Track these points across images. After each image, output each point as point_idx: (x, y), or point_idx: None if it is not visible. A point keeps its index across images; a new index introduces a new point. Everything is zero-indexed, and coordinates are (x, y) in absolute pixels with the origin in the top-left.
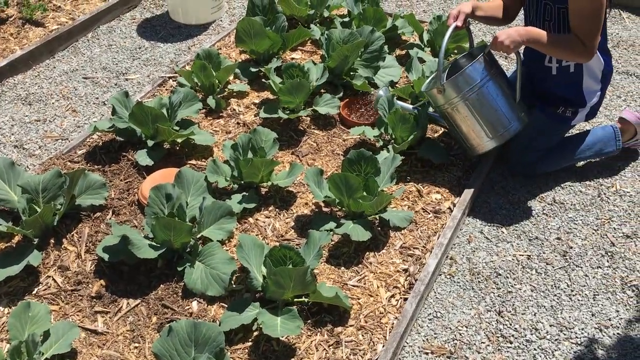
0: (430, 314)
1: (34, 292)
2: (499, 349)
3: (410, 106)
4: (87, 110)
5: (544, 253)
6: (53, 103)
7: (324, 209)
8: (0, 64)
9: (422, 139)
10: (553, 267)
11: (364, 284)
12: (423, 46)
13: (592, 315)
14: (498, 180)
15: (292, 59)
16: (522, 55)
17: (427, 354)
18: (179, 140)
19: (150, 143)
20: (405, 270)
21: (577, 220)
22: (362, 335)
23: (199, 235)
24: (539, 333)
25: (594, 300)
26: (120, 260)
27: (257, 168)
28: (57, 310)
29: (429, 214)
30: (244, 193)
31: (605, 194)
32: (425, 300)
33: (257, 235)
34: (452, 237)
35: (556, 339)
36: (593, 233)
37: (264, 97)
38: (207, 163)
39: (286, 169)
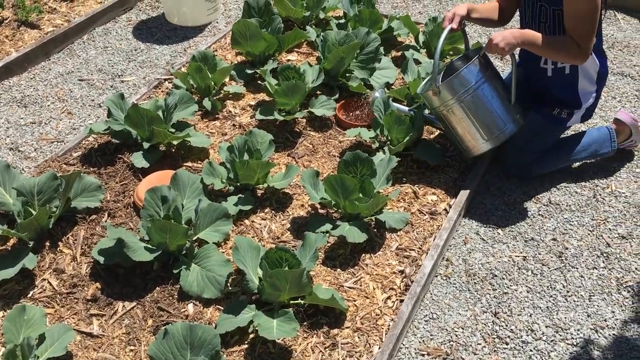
0: (426, 315)
1: (29, 295)
2: (495, 350)
3: (406, 108)
4: (82, 113)
5: (539, 254)
6: (48, 105)
7: (320, 211)
8: None
9: (418, 140)
10: (549, 268)
11: (360, 285)
12: (419, 48)
13: (588, 316)
14: (494, 181)
15: (288, 60)
16: (517, 57)
17: (423, 355)
18: (175, 142)
19: (146, 145)
20: (401, 272)
21: (572, 221)
22: (359, 337)
23: (194, 238)
24: (535, 334)
25: (590, 301)
26: (116, 262)
27: (253, 170)
28: (53, 313)
29: (425, 215)
30: (240, 195)
31: (600, 194)
32: (422, 302)
33: (253, 237)
34: (448, 239)
35: (552, 340)
36: (589, 234)
37: (259, 99)
38: (203, 165)
39: (282, 171)
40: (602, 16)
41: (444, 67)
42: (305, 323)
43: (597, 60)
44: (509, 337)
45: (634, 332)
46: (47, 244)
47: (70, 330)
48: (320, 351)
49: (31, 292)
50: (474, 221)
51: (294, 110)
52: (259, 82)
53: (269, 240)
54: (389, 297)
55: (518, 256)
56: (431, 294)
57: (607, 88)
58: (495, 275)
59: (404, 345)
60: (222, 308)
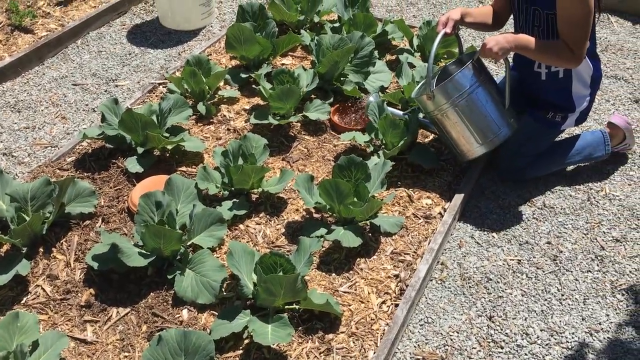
0: (421, 319)
1: (22, 302)
2: (490, 354)
3: (401, 112)
4: (76, 117)
5: (534, 257)
6: (42, 110)
7: (315, 215)
8: None
9: (413, 144)
10: (543, 271)
11: (355, 290)
12: (413, 51)
13: (583, 319)
14: (488, 184)
15: (283, 64)
16: (511, 61)
17: (418, 359)
18: (169, 147)
19: (140, 150)
20: (396, 276)
21: (567, 225)
22: (353, 342)
23: (189, 243)
24: (530, 338)
25: (584, 304)
26: (110, 268)
27: (248, 175)
28: (46, 320)
29: (420, 219)
30: (235, 200)
31: (594, 198)
32: (416, 306)
33: (247, 242)
34: (443, 242)
35: (547, 344)
36: (583, 237)
37: (254, 103)
38: (197, 170)
39: (277, 175)
40: (596, 19)
41: (438, 71)
42: (300, 328)
43: (590, 64)
44: (503, 341)
45: (629, 335)
46: (41, 250)
47: (63, 337)
48: (315, 356)
49: (24, 299)
50: (468, 225)
51: (289, 115)
52: (254, 86)
53: (263, 244)
54: (384, 302)
55: (513, 260)
56: (426, 298)
57: (601, 91)
58: (490, 279)
59: (399, 349)
60: (217, 313)
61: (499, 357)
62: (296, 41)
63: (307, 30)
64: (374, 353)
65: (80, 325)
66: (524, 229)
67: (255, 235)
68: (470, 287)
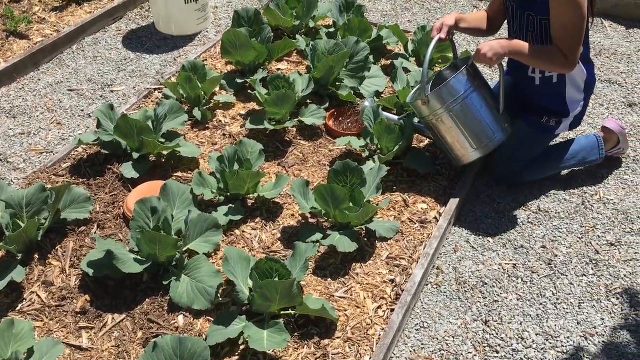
0: (417, 324)
1: (17, 309)
2: (485, 359)
3: (396, 117)
4: (72, 123)
5: (529, 262)
6: (38, 116)
7: (311, 220)
8: None
9: (408, 149)
10: (538, 275)
11: (351, 295)
12: (408, 56)
13: (578, 323)
14: (483, 189)
15: (278, 69)
16: (506, 66)
17: None
18: (165, 152)
19: (135, 156)
20: (392, 281)
21: (561, 229)
22: (349, 348)
23: (184, 249)
24: (525, 342)
25: (579, 308)
26: (105, 274)
27: (243, 180)
28: (42, 327)
29: (415, 224)
30: (230, 205)
31: (589, 202)
32: (412, 311)
33: (243, 247)
34: (439, 247)
35: (542, 348)
36: (578, 241)
37: (250, 109)
38: (193, 175)
39: (272, 181)
40: (589, 24)
41: (433, 76)
42: (296, 334)
43: (584, 69)
44: (499, 345)
45: (624, 339)
46: (36, 256)
47: (59, 344)
48: None
49: (20, 306)
50: (464, 229)
51: (284, 120)
52: (249, 91)
53: (259, 250)
54: (379, 307)
55: (508, 264)
56: (422, 302)
57: (595, 95)
58: (486, 284)
59: (395, 355)
60: (213, 319)
61: None
62: (292, 46)
63: (303, 36)
64: (370, 358)
65: (76, 332)
66: (519, 233)
67: (251, 241)
68: (465, 291)
